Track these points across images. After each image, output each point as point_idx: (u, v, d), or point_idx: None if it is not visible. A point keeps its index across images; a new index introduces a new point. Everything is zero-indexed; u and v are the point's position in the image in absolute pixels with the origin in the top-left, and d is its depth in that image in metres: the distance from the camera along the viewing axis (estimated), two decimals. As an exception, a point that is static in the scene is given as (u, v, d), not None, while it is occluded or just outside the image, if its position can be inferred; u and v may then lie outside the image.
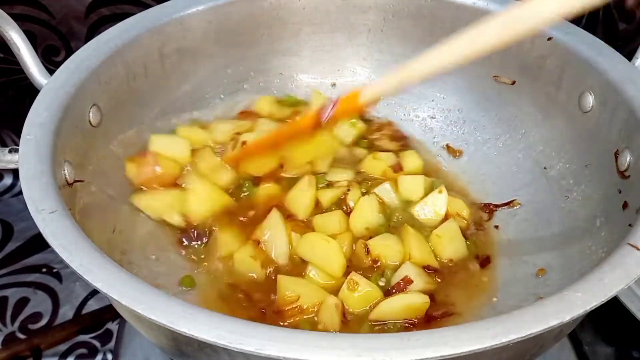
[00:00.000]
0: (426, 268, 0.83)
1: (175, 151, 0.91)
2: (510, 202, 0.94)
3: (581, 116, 0.87)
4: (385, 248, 0.83)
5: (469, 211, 0.92)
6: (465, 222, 0.91)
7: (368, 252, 0.83)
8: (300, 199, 0.89)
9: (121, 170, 0.88)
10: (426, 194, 0.91)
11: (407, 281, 0.79)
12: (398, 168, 0.96)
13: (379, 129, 1.04)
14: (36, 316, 1.06)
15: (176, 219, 0.87)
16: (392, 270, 0.82)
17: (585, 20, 1.20)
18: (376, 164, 0.96)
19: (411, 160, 0.98)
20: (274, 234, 0.84)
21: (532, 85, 0.95)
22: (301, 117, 0.90)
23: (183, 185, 0.89)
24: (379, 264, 0.83)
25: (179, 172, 0.90)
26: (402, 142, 1.04)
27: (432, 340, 0.50)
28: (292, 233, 0.84)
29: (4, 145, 1.29)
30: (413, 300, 0.77)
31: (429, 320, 0.78)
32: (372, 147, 1.02)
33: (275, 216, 0.85)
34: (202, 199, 0.87)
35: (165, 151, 0.90)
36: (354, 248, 0.84)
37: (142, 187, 0.88)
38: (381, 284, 0.81)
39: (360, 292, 0.77)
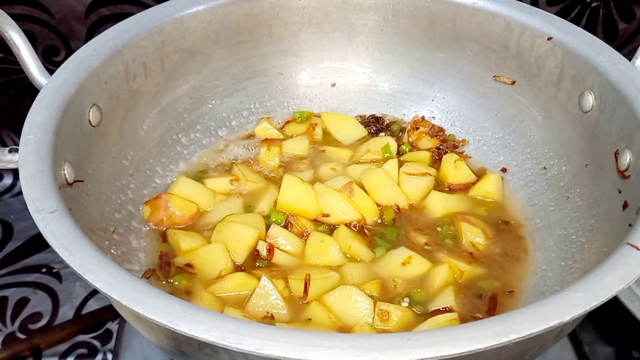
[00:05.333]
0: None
1: (198, 198, 0.92)
2: None
3: (581, 116, 0.87)
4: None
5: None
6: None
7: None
8: None
9: (121, 170, 0.89)
10: None
11: (449, 310, 0.79)
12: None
13: (415, 126, 1.04)
14: (36, 316, 1.06)
15: None
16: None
17: (586, 20, 1.20)
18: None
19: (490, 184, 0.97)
20: None
21: (532, 85, 0.95)
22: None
23: None
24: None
25: (196, 213, 0.91)
26: (441, 135, 1.04)
27: (432, 340, 0.50)
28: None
29: (4, 145, 1.29)
30: (443, 319, 0.77)
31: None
32: (413, 148, 1.03)
33: None
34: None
35: (188, 196, 0.92)
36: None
37: (160, 227, 0.89)
38: (404, 304, 0.80)
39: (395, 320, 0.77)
